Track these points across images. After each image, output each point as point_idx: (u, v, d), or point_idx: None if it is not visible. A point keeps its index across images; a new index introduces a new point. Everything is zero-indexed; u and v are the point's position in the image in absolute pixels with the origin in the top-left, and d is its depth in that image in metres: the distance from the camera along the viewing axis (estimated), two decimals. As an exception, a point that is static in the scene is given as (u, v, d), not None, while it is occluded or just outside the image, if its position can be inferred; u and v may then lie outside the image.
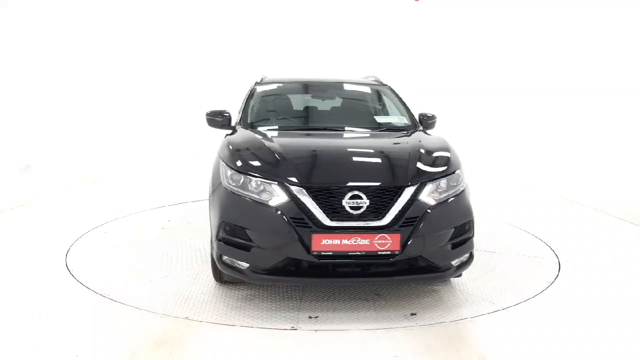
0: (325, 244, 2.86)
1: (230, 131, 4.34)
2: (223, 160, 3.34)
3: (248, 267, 2.98)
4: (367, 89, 4.90)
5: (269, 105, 4.62)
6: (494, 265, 4.09)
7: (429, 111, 4.63)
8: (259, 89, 4.60)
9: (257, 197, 3.00)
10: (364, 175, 3.11)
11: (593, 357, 2.71)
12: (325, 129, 4.05)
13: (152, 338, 2.83)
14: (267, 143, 3.42)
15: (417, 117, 4.39)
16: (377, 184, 3.03)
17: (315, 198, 2.92)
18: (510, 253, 4.37)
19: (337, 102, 4.81)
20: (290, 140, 3.71)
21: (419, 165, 3.20)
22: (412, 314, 3.17)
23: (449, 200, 3.14)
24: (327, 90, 4.87)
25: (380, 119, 4.45)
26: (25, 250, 4.42)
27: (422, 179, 3.10)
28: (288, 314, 3.16)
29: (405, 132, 4.08)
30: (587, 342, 2.87)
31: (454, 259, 3.14)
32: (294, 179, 2.97)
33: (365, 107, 4.76)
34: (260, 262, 2.96)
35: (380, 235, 2.89)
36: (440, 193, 3.13)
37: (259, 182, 3.03)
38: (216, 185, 3.31)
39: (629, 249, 4.67)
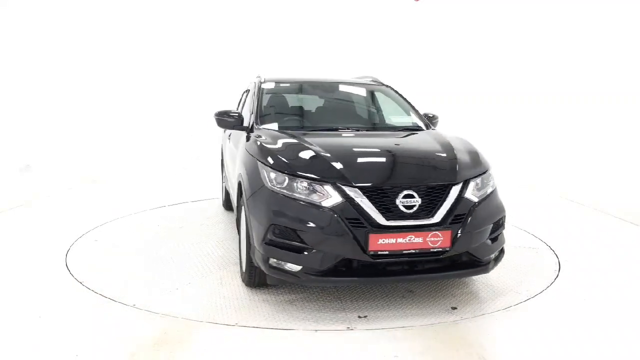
0: (381, 243, 2.88)
1: (230, 132, 4.37)
2: (262, 162, 3.22)
3: (301, 270, 2.94)
4: (373, 89, 4.92)
5: (282, 105, 4.58)
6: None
7: (430, 111, 4.71)
8: (267, 87, 4.49)
9: (307, 198, 2.96)
10: (414, 175, 3.19)
11: (593, 357, 2.71)
12: (347, 128, 4.06)
13: (152, 338, 2.83)
14: (306, 144, 3.36)
15: None
16: (428, 182, 3.08)
17: (370, 198, 2.93)
18: (510, 253, 4.37)
19: (347, 102, 4.83)
20: (328, 141, 3.55)
21: (460, 163, 3.29)
22: (412, 314, 3.17)
23: (487, 197, 3.27)
24: (334, 91, 4.87)
25: (395, 119, 4.50)
26: (25, 250, 4.42)
27: (466, 177, 3.19)
28: (288, 314, 3.16)
29: (423, 131, 4.13)
30: (587, 342, 2.87)
31: (492, 253, 3.27)
32: (347, 180, 2.97)
33: (375, 107, 4.79)
34: (314, 264, 2.92)
35: (432, 232, 2.95)
36: (479, 190, 3.24)
37: (308, 184, 2.99)
38: (255, 188, 3.19)
39: (629, 249, 4.67)
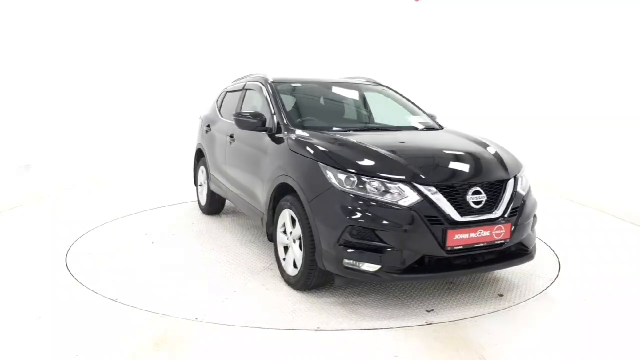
0: (457, 238, 2.99)
1: (223, 133, 4.36)
2: (325, 163, 3.18)
3: (380, 269, 2.95)
4: (378, 90, 4.97)
5: (304, 105, 4.54)
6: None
7: (428, 111, 4.79)
8: (281, 87, 4.39)
9: (382, 198, 2.98)
10: (478, 172, 3.29)
11: (593, 357, 2.71)
12: (377, 129, 4.17)
13: (152, 338, 2.83)
14: (365, 144, 3.37)
15: None
16: (490, 178, 3.23)
17: (445, 195, 3.02)
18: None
19: (361, 102, 4.85)
20: (377, 140, 3.54)
21: (506, 160, 3.50)
22: (412, 314, 3.17)
23: (529, 190, 3.52)
24: (349, 91, 4.87)
25: (412, 118, 4.58)
26: (25, 250, 4.42)
27: (514, 172, 3.41)
28: (288, 314, 3.16)
29: (442, 130, 4.32)
30: (587, 342, 2.87)
31: (534, 242, 3.53)
32: (423, 179, 3.03)
33: (389, 107, 4.81)
34: (396, 263, 2.94)
35: (497, 226, 3.11)
36: (523, 184, 3.46)
37: (381, 183, 3.01)
38: (319, 190, 3.14)
39: (629, 249, 4.67)
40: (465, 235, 3.01)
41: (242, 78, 5.33)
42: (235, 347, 2.76)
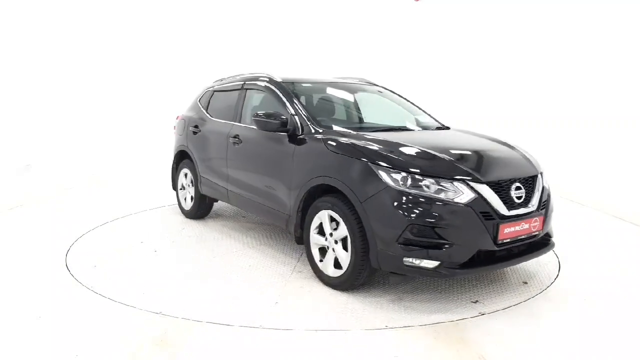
0: (506, 232, 3.17)
1: (219, 135, 4.44)
2: (377, 164, 3.20)
3: (440, 265, 3.03)
4: (376, 90, 4.98)
5: (320, 106, 4.50)
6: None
7: (428, 111, 4.84)
8: (296, 88, 4.35)
9: (439, 196, 3.05)
10: (517, 168, 3.47)
11: (593, 357, 2.71)
12: (399, 129, 4.19)
13: (152, 338, 2.83)
14: (409, 143, 3.43)
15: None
16: (526, 174, 3.44)
17: (495, 192, 3.17)
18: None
19: (370, 103, 4.85)
20: (414, 139, 3.63)
21: (530, 157, 3.74)
22: (410, 314, 3.17)
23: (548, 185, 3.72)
24: (357, 91, 4.85)
25: (421, 119, 4.66)
26: (25, 250, 4.42)
27: (540, 168, 3.65)
28: (287, 315, 3.16)
29: (452, 129, 4.44)
30: (587, 342, 2.87)
31: (553, 232, 3.74)
32: (476, 177, 3.16)
33: (389, 108, 4.83)
34: (455, 258, 3.05)
35: (534, 218, 3.33)
36: (545, 179, 3.66)
37: (436, 182, 3.09)
38: (373, 190, 3.15)
39: (629, 249, 4.67)
40: (512, 229, 3.19)
41: (233, 77, 5.17)
42: (235, 347, 2.76)
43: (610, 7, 7.84)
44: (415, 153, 3.32)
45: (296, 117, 3.92)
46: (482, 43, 9.72)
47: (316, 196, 3.63)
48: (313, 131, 3.77)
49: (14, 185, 7.40)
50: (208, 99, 5.40)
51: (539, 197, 3.43)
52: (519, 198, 3.28)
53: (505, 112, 9.26)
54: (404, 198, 3.05)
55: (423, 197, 3.04)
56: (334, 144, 3.53)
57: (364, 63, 9.97)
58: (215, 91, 5.35)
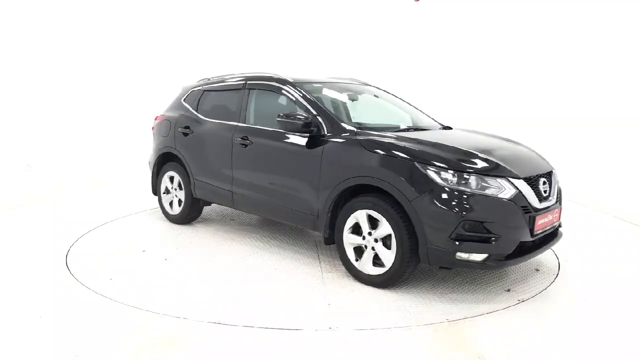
0: (539, 224, 3.41)
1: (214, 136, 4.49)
2: (425, 163, 3.28)
3: (488, 257, 3.20)
4: (375, 90, 4.99)
5: (337, 107, 4.46)
6: (494, 265, 4.08)
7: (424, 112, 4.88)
8: (311, 88, 4.30)
9: (485, 192, 3.21)
10: (540, 165, 3.74)
11: (593, 357, 2.71)
12: (416, 129, 4.28)
13: (153, 338, 2.83)
14: (451, 143, 3.60)
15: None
16: (547, 170, 3.72)
17: (530, 187, 3.39)
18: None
19: (371, 103, 4.85)
20: (448, 139, 3.75)
21: (540, 155, 3.99)
22: (410, 313, 3.17)
23: None
24: (362, 92, 4.84)
25: (424, 119, 4.76)
26: (25, 250, 4.42)
27: (551, 165, 3.90)
28: (287, 315, 3.16)
29: (455, 129, 4.56)
30: (587, 342, 2.87)
31: None
32: (515, 174, 3.35)
33: (393, 107, 4.83)
34: (502, 251, 3.23)
35: (555, 210, 3.61)
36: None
37: (481, 179, 3.24)
38: (423, 189, 3.23)
39: (629, 249, 4.67)
40: (543, 221, 3.43)
41: (230, 76, 4.98)
42: (236, 347, 2.76)
43: (610, 7, 7.84)
44: (457, 152, 3.43)
45: (319, 117, 3.90)
46: (482, 43, 9.72)
47: (346, 197, 3.68)
48: (343, 131, 3.76)
49: (14, 185, 7.40)
50: (196, 99, 5.15)
51: (556, 190, 3.72)
52: (545, 192, 3.52)
53: (505, 112, 9.26)
54: (455, 196, 3.17)
55: (472, 194, 3.18)
56: (374, 144, 3.53)
57: (364, 63, 9.96)
58: (205, 91, 5.12)
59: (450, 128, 4.56)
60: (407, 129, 4.18)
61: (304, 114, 3.91)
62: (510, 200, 3.23)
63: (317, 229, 3.87)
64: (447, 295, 3.47)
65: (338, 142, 3.72)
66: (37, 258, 4.19)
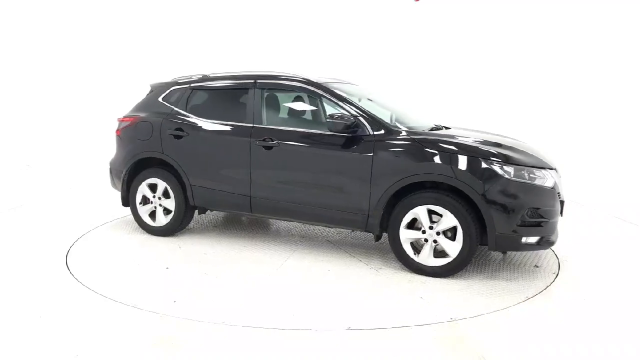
0: (564, 209, 3.93)
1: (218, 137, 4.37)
2: (491, 159, 3.64)
3: (540, 239, 3.67)
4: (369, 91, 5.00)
5: (367, 107, 4.38)
6: (494, 265, 4.09)
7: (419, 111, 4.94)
8: (336, 88, 4.31)
9: (535, 183, 3.64)
10: (547, 158, 4.07)
11: (593, 357, 2.71)
12: (437, 128, 4.44)
13: (152, 338, 2.83)
14: (491, 139, 4.02)
15: None
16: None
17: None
18: (510, 253, 4.37)
19: (381, 104, 4.79)
20: (478, 137, 4.09)
21: None
22: (410, 313, 3.17)
23: None
24: (367, 93, 4.82)
25: (425, 119, 4.90)
26: (25, 250, 4.42)
27: None
28: (287, 315, 3.16)
29: (452, 128, 4.66)
30: (587, 342, 2.87)
31: None
32: (549, 165, 3.87)
33: (395, 108, 4.80)
34: (550, 233, 3.71)
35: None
36: None
37: (531, 171, 3.66)
38: (493, 182, 3.57)
39: (629, 249, 4.67)
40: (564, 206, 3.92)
41: (230, 74, 4.69)
42: (236, 347, 2.76)
43: (610, 7, 7.84)
44: (508, 148, 3.84)
45: (361, 117, 3.99)
46: (482, 43, 9.72)
47: (395, 194, 3.84)
48: (393, 131, 3.91)
49: (13, 185, 7.40)
50: (183, 98, 4.75)
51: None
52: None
53: (505, 112, 9.26)
54: (519, 187, 3.58)
55: (529, 184, 3.61)
56: (437, 144, 3.78)
57: (364, 63, 9.96)
58: (194, 89, 4.74)
59: (449, 128, 4.50)
60: (434, 129, 4.34)
61: (349, 116, 3.97)
62: (552, 188, 3.69)
63: (368, 228, 3.96)
64: (447, 295, 3.47)
65: (392, 142, 3.85)
66: (37, 258, 4.19)
